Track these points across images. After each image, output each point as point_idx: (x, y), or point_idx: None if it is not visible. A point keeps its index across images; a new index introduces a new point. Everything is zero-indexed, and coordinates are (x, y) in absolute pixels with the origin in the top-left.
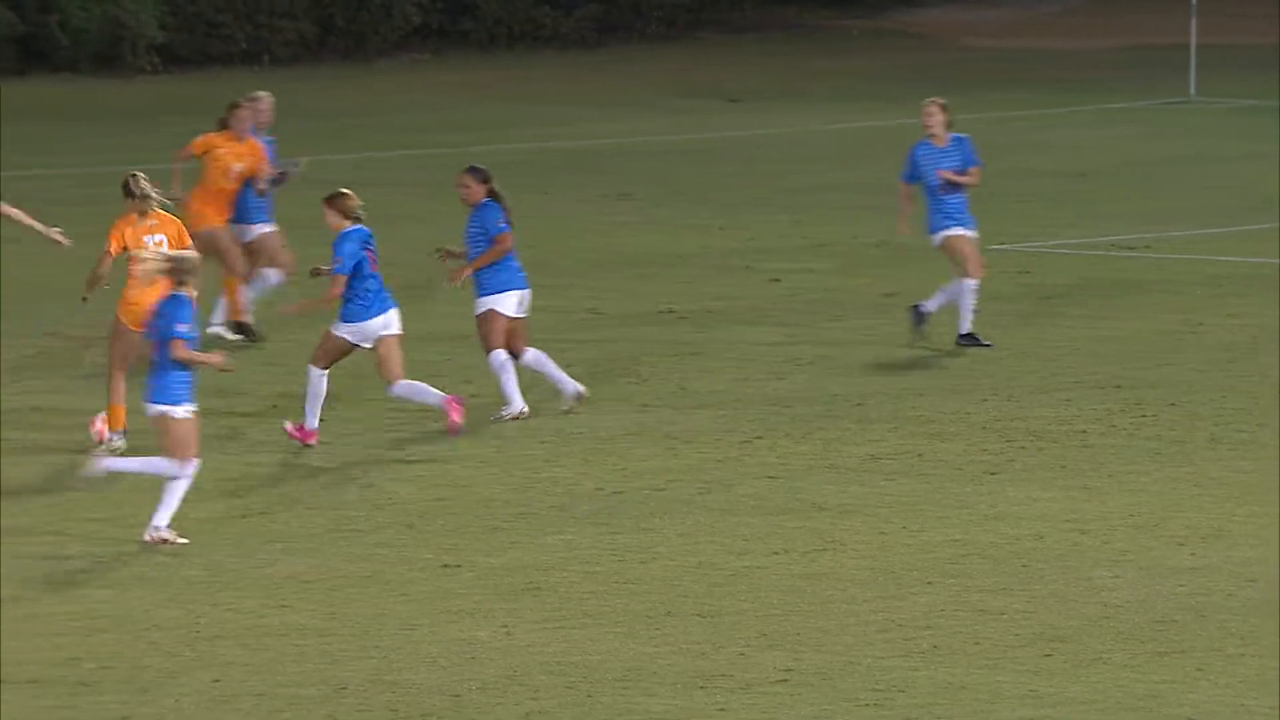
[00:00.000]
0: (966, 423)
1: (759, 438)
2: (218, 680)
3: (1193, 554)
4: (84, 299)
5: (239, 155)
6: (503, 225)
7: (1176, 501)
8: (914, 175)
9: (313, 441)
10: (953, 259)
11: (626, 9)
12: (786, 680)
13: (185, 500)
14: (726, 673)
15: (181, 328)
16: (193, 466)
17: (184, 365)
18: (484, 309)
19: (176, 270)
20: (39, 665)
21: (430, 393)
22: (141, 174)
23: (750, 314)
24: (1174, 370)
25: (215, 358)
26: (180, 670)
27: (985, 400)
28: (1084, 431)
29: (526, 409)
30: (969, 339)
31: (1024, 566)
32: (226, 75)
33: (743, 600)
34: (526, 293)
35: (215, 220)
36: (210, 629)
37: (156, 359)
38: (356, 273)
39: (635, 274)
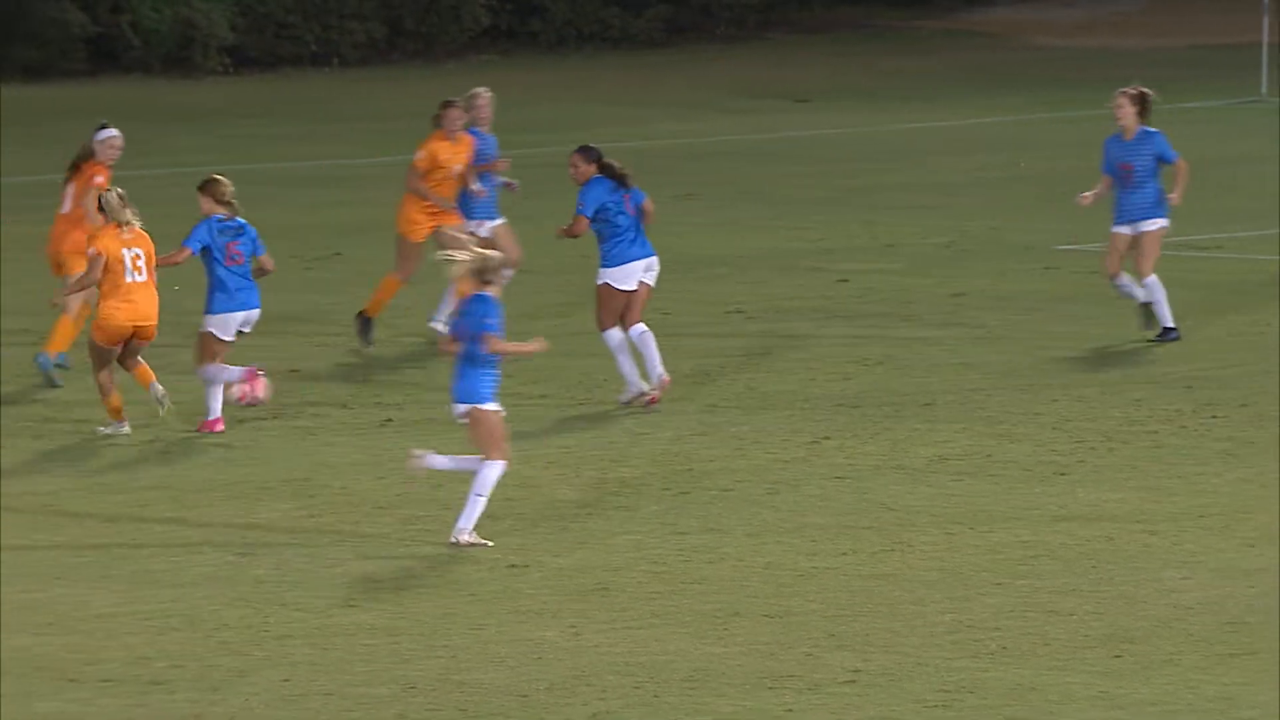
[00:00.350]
0: (1036, 423)
1: (826, 438)
2: (287, 680)
3: (1263, 555)
4: (54, 304)
5: (456, 155)
6: (582, 208)
7: (1247, 503)
8: (1107, 167)
9: (220, 428)
10: (1130, 254)
11: (696, 9)
12: (854, 681)
13: (250, 497)
14: (794, 673)
15: (490, 322)
16: (504, 464)
17: (493, 361)
18: (599, 283)
19: (483, 270)
20: (111, 664)
21: (231, 371)
22: (118, 191)
23: (818, 314)
24: (1244, 371)
25: (531, 345)
26: (250, 669)
27: (1055, 400)
28: (1154, 432)
29: (646, 388)
30: (1162, 332)
31: (1093, 568)
32: (296, 76)
33: (810, 601)
34: (648, 261)
35: (422, 231)
36: (279, 628)
37: (464, 357)
38: (214, 262)
39: (703, 274)
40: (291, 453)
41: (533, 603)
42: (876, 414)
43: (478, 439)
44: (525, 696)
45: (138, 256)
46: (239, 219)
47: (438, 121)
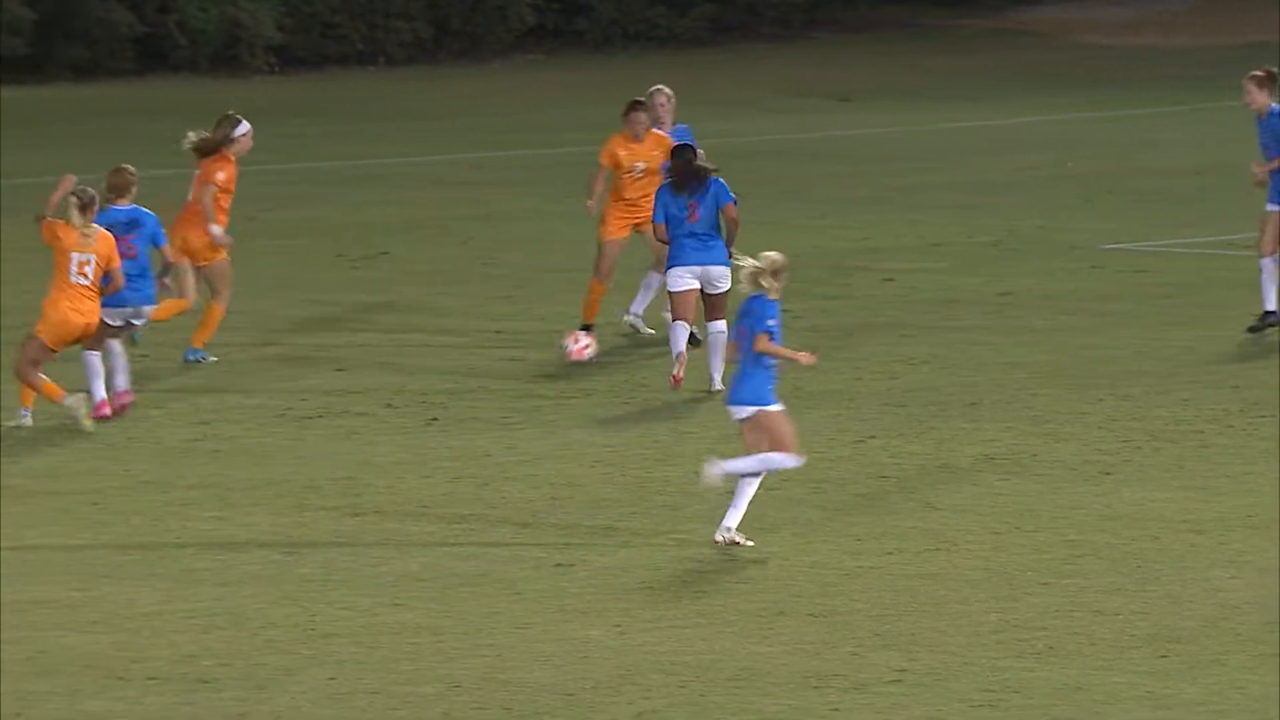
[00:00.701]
0: (1082, 422)
1: (872, 437)
2: (333, 678)
3: None
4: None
5: (638, 155)
6: (653, 216)
7: None
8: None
9: (106, 412)
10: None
11: (741, 9)
12: (900, 680)
13: (295, 496)
14: (840, 673)
15: (770, 323)
16: (800, 459)
17: (773, 362)
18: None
19: (764, 272)
20: (157, 662)
21: (99, 380)
22: (78, 196)
23: (863, 313)
24: None
25: (804, 356)
26: (296, 668)
27: (1101, 400)
28: (1201, 432)
29: (715, 385)
30: (1266, 317)
31: (1139, 567)
32: (343, 76)
33: (856, 600)
34: (702, 270)
35: (619, 232)
36: (325, 627)
37: (746, 359)
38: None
39: None
40: (336, 452)
41: (578, 602)
42: (922, 413)
43: (766, 441)
44: (571, 695)
45: (86, 262)
46: (137, 208)
47: (623, 121)
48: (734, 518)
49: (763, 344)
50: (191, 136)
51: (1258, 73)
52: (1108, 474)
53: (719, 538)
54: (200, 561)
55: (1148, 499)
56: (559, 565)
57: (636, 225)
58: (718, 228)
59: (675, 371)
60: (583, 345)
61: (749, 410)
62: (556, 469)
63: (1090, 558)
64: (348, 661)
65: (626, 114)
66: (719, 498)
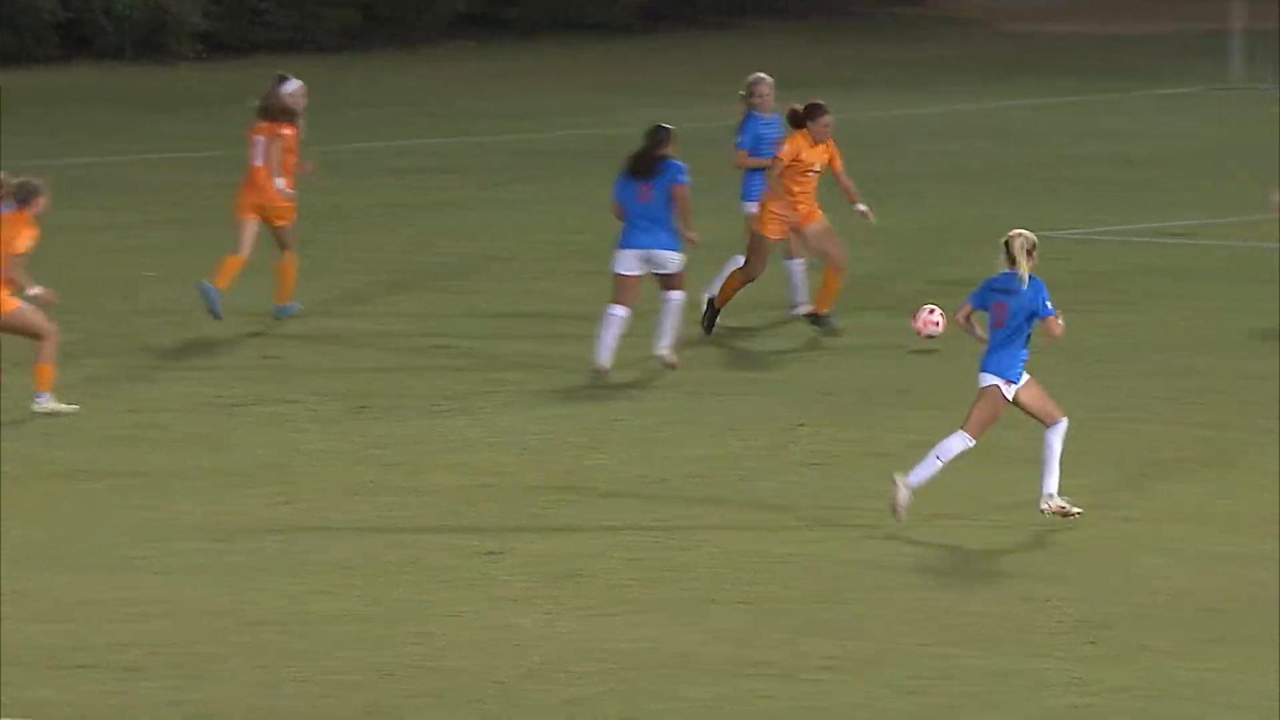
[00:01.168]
0: (1009, 411)
1: (803, 425)
2: (263, 666)
3: (1238, 542)
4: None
5: (816, 157)
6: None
7: (1224, 490)
8: None
9: None
10: None
11: None
12: (829, 668)
13: (233, 487)
14: (769, 660)
15: (1050, 305)
16: (1065, 420)
17: (1026, 343)
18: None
19: (1033, 249)
20: (89, 651)
21: None
22: (17, 182)
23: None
24: (1217, 358)
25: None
26: (226, 656)
27: None
28: (1132, 420)
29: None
30: None
31: (1069, 555)
32: (271, 63)
33: (786, 588)
34: (649, 253)
35: (777, 232)
36: (255, 615)
37: (1010, 333)
38: None
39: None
40: (267, 440)
41: (508, 590)
42: (853, 401)
43: (1032, 410)
44: (501, 683)
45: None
46: None
47: (800, 123)
48: (1051, 483)
49: (1054, 328)
50: (257, 102)
51: None
52: (1033, 462)
53: (1043, 506)
54: (135, 550)
55: (1078, 487)
56: (489, 553)
57: (791, 225)
58: (670, 211)
59: (599, 360)
60: (933, 319)
61: (1007, 383)
62: (487, 458)
63: (1022, 545)
64: (277, 649)
65: (813, 116)
66: (649, 486)
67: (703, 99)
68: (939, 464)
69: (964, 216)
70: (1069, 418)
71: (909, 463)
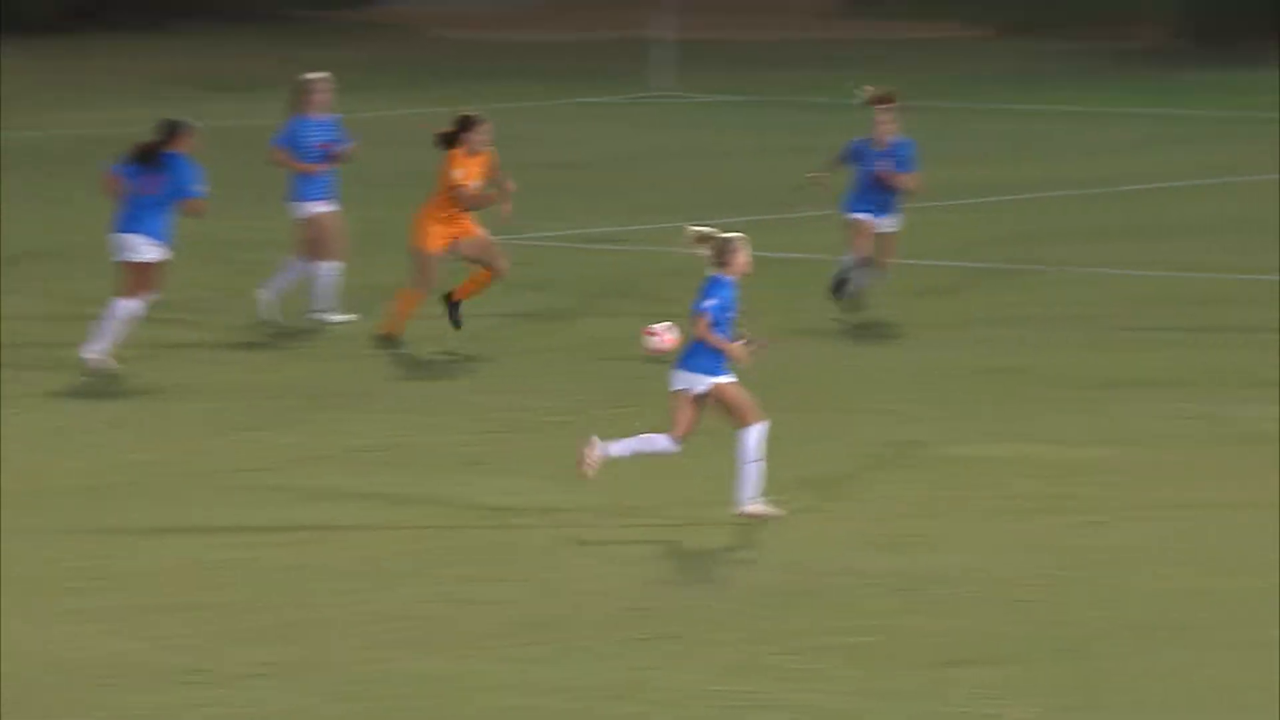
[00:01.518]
0: (454, 414)
1: (248, 429)
2: None
3: (671, 541)
4: None
5: (478, 167)
6: None
7: (652, 487)
8: None
9: None
10: None
11: None
12: (265, 674)
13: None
14: (205, 667)
15: (707, 304)
16: (763, 424)
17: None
18: None
19: (720, 252)
20: None
21: None
22: None
23: (236, 302)
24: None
25: (737, 350)
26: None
27: (472, 393)
28: (565, 423)
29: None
30: None
31: (507, 557)
32: None
33: (224, 593)
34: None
35: (437, 246)
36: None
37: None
38: None
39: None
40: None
41: None
42: (296, 405)
43: (728, 411)
44: None
45: None
46: None
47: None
48: (749, 488)
49: (700, 328)
50: None
51: None
52: (476, 464)
53: (741, 511)
54: None
55: (511, 489)
56: None
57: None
58: (161, 203)
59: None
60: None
61: (706, 383)
62: None
63: (460, 547)
64: None
65: (468, 128)
66: (80, 492)
67: (131, 103)
68: (637, 452)
69: (397, 220)
70: (508, 416)
71: (351, 466)
